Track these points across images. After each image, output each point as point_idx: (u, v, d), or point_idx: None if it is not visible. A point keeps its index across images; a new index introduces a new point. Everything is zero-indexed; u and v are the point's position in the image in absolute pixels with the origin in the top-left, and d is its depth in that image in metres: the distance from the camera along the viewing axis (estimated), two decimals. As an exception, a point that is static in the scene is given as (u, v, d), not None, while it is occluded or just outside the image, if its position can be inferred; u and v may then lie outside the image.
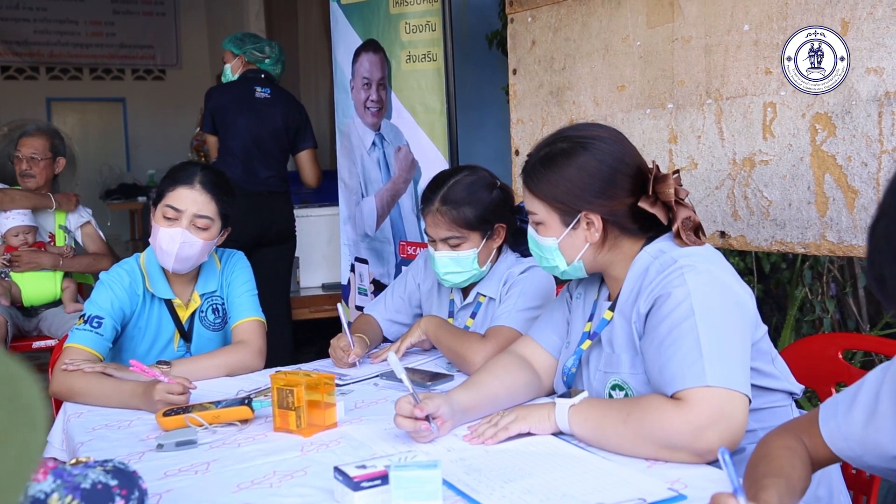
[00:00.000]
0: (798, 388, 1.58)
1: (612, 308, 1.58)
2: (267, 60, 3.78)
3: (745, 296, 1.47)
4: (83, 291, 3.72)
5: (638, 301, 1.50)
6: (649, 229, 1.54)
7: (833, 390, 1.81)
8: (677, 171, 1.57)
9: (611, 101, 2.47)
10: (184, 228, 2.06)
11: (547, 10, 2.67)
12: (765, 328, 1.54)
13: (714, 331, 1.38)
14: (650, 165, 1.56)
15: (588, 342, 1.62)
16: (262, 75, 3.76)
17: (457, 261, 2.07)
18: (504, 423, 1.49)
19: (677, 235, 1.50)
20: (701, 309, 1.40)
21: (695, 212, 1.54)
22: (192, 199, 2.07)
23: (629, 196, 1.52)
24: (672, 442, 1.34)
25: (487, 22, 4.22)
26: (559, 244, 1.57)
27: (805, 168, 1.99)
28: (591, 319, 1.65)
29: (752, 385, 1.41)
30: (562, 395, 1.52)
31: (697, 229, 1.53)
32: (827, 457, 1.23)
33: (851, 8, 1.87)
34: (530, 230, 1.63)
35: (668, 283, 1.44)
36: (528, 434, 1.49)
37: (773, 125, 2.05)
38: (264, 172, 3.74)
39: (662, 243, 1.52)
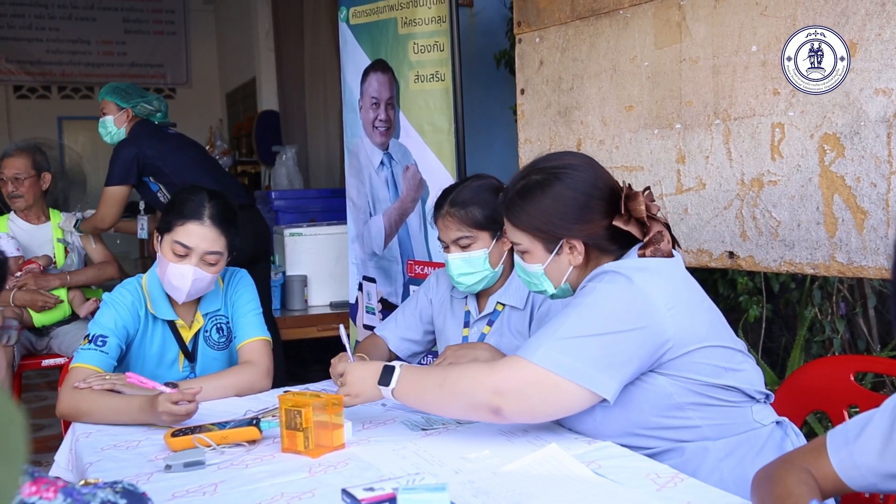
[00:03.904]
0: (762, 392, 1.58)
1: None
2: (158, 114, 3.64)
3: (661, 309, 1.47)
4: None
5: None
6: (628, 246, 1.60)
7: (845, 413, 1.79)
8: (648, 189, 1.62)
9: (619, 122, 2.47)
10: (194, 266, 2.02)
11: (555, 31, 2.68)
12: (723, 326, 1.58)
13: (582, 323, 1.46)
14: (622, 185, 1.62)
15: None
16: (157, 123, 3.66)
17: (468, 261, 2.10)
18: (342, 369, 1.69)
19: (642, 248, 1.56)
20: (588, 303, 1.48)
21: (668, 226, 1.59)
22: (201, 236, 2.02)
23: (605, 218, 1.59)
24: (475, 399, 1.49)
25: (495, 42, 4.23)
26: (545, 270, 1.65)
27: (814, 189, 1.99)
28: None
29: (706, 381, 1.48)
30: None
31: (673, 242, 1.59)
32: (834, 488, 1.19)
33: (859, 29, 1.87)
34: (517, 258, 1.71)
35: (585, 285, 1.54)
36: (536, 453, 1.49)
37: (781, 146, 2.05)
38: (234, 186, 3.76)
39: (625, 260, 1.57)
